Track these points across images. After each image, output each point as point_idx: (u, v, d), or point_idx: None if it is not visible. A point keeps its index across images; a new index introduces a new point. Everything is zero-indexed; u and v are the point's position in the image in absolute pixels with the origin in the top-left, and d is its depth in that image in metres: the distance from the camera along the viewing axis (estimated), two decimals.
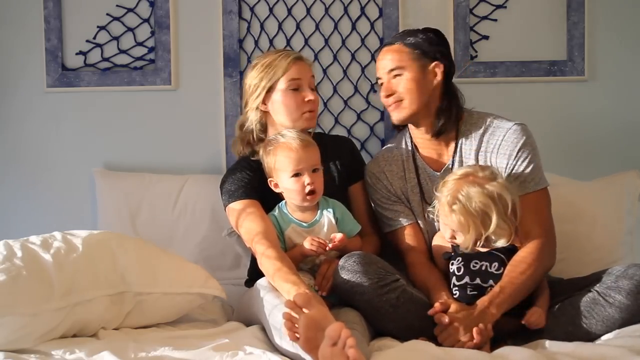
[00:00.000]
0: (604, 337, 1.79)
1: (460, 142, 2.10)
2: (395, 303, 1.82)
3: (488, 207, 1.86)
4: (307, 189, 1.99)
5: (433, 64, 2.07)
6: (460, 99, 2.12)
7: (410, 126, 2.16)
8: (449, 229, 1.93)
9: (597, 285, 1.83)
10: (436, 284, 1.94)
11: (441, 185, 1.95)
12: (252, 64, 2.18)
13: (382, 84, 2.11)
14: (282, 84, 2.10)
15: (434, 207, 1.98)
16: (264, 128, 2.18)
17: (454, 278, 1.91)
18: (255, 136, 2.17)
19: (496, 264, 1.89)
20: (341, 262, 1.87)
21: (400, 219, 2.12)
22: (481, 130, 2.08)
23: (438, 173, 2.10)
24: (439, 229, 2.04)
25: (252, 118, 2.16)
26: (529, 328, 1.83)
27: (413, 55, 2.06)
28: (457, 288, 1.89)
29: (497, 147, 2.04)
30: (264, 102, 2.14)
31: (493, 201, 1.86)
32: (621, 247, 2.36)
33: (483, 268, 1.89)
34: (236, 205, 2.07)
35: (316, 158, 2.03)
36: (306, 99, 2.10)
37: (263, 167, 2.09)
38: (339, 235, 1.96)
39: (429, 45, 2.08)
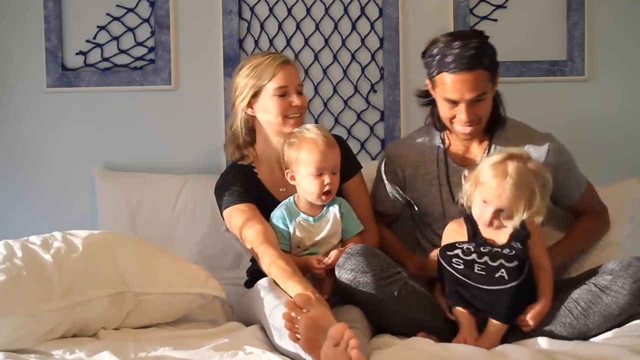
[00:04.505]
0: (603, 336, 1.80)
1: (492, 145, 2.10)
2: (396, 295, 1.83)
3: (533, 183, 1.88)
4: (325, 189, 1.99)
5: (496, 75, 2.06)
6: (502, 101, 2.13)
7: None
8: (493, 208, 1.89)
9: (594, 278, 1.85)
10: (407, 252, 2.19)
11: (485, 168, 1.91)
12: (240, 66, 2.17)
13: (453, 104, 2.01)
14: (268, 90, 2.08)
15: (464, 192, 1.95)
16: (250, 131, 2.18)
17: (459, 251, 1.88)
18: (242, 139, 2.17)
19: (510, 250, 1.88)
20: (343, 255, 1.88)
21: (381, 204, 2.26)
22: (516, 143, 2.06)
23: (465, 168, 2.10)
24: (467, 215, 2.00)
25: (238, 120, 2.16)
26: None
27: (489, 76, 2.01)
28: (462, 261, 1.86)
29: None
30: (250, 105, 2.12)
31: (536, 178, 1.89)
32: (621, 253, 2.35)
33: (494, 251, 1.87)
34: (234, 210, 2.07)
35: (338, 160, 2.04)
36: (293, 104, 2.09)
37: (282, 158, 2.07)
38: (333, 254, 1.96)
39: (495, 59, 2.04)
